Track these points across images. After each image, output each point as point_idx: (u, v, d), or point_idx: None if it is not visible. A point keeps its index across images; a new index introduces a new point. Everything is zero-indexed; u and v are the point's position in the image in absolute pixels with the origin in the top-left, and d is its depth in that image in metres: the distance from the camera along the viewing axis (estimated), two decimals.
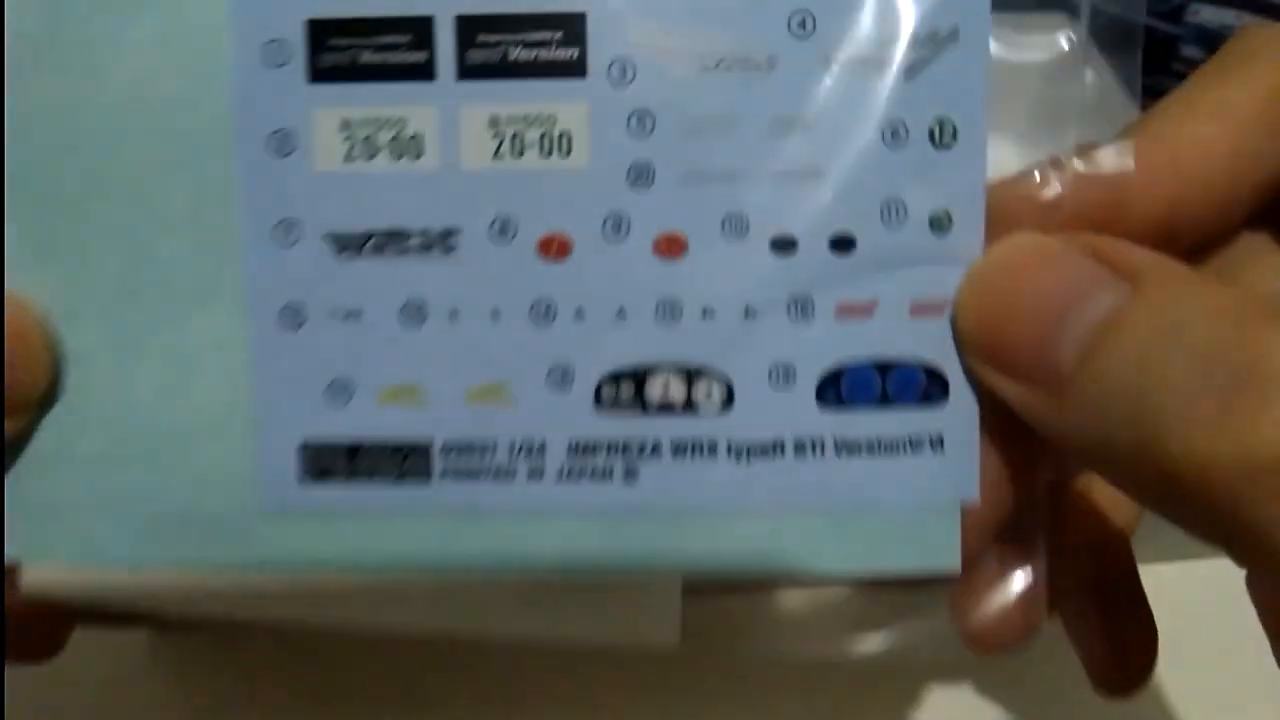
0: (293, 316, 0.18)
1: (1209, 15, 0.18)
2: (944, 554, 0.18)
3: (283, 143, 0.17)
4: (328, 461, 0.18)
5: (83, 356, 0.18)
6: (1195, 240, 0.18)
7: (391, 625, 0.19)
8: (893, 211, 0.17)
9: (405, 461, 0.18)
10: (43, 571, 0.19)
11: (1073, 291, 0.16)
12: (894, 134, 0.17)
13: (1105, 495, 0.22)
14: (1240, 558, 0.15)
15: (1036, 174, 0.17)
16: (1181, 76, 0.18)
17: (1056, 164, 0.17)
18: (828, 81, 0.17)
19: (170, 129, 0.18)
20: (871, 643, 0.23)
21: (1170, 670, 0.23)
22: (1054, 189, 0.17)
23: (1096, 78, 0.18)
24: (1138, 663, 0.21)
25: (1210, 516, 0.15)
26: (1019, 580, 0.19)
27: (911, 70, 0.17)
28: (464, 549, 0.18)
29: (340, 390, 0.18)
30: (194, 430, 0.18)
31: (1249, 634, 0.18)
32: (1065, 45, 0.18)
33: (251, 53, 0.17)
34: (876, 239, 0.17)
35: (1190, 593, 0.26)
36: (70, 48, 0.17)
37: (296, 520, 0.18)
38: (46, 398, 0.18)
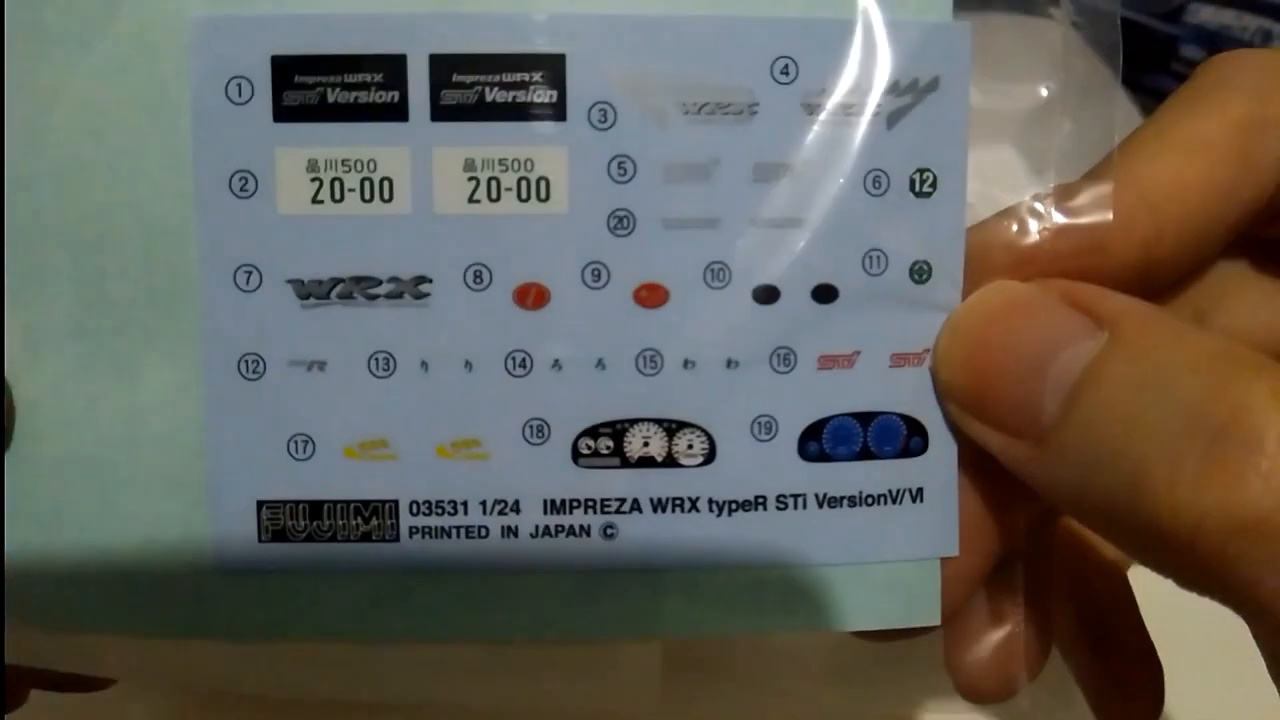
0: (252, 366, 0.17)
1: (1209, 15, 0.18)
2: (924, 609, 0.18)
3: (245, 183, 0.17)
4: (288, 519, 0.17)
5: (32, 404, 0.17)
6: (1173, 275, 0.18)
7: (360, 695, 0.18)
8: (874, 261, 0.17)
9: (371, 520, 0.17)
10: None
11: (1051, 341, 0.16)
12: (875, 182, 0.17)
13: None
14: (1234, 608, 0.15)
15: (1013, 219, 0.17)
16: (1181, 77, 0.18)
17: (1033, 209, 0.17)
18: (810, 129, 0.17)
19: (125, 164, 0.16)
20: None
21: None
22: (1031, 235, 0.17)
23: (1075, 127, 0.18)
24: (1141, 703, 0.21)
25: (1197, 572, 0.15)
26: (1009, 626, 0.19)
27: (893, 118, 0.17)
28: (433, 611, 0.17)
29: (303, 444, 0.17)
30: (147, 484, 0.17)
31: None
32: (1045, 93, 0.18)
33: (213, 88, 0.16)
34: (858, 289, 0.17)
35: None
36: (21, 75, 0.16)
37: (255, 580, 0.17)
38: None
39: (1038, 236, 0.17)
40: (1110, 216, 0.17)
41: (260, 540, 0.17)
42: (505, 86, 0.17)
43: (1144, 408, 0.15)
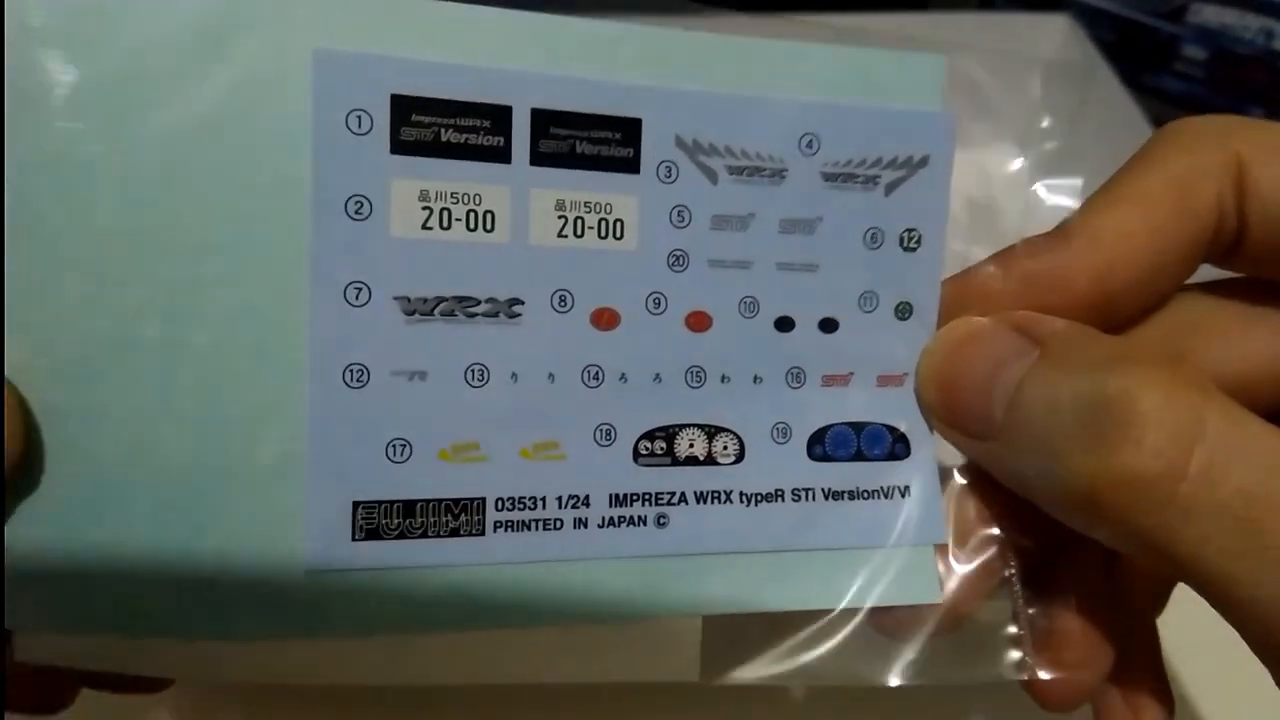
0: (357, 375, 0.18)
1: (1210, 15, 0.20)
2: (925, 588, 0.22)
3: (360, 207, 0.18)
4: (382, 518, 0.19)
5: (113, 409, 0.17)
6: (1132, 307, 0.22)
7: (417, 678, 0.20)
8: (867, 300, 0.21)
9: (460, 516, 0.19)
10: (36, 638, 0.18)
11: (997, 360, 0.20)
12: (873, 238, 0.21)
13: (1134, 574, 0.24)
14: (1133, 553, 0.20)
15: (988, 266, 0.22)
16: (1183, 76, 0.21)
17: (1003, 259, 0.22)
18: (825, 192, 0.21)
19: (234, 179, 0.18)
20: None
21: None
22: (1001, 280, 0.22)
23: (1039, 197, 0.23)
24: None
25: (1103, 524, 0.19)
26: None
27: (890, 187, 0.21)
28: (512, 600, 0.19)
29: (400, 448, 0.19)
30: (231, 489, 0.18)
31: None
32: (1032, 102, 0.23)
33: (334, 119, 0.18)
34: (855, 322, 0.21)
35: None
36: (128, 90, 0.17)
37: (345, 579, 0.19)
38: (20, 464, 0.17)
39: (1006, 284, 0.22)
40: (1066, 260, 0.21)
41: (354, 539, 0.18)
42: (592, 141, 0.19)
43: (1058, 402, 0.19)
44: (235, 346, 0.18)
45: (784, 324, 0.21)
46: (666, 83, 0.20)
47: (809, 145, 0.21)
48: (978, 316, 0.22)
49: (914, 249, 0.22)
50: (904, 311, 0.22)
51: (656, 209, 0.20)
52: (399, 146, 0.18)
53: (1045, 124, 0.23)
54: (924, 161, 0.22)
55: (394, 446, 0.19)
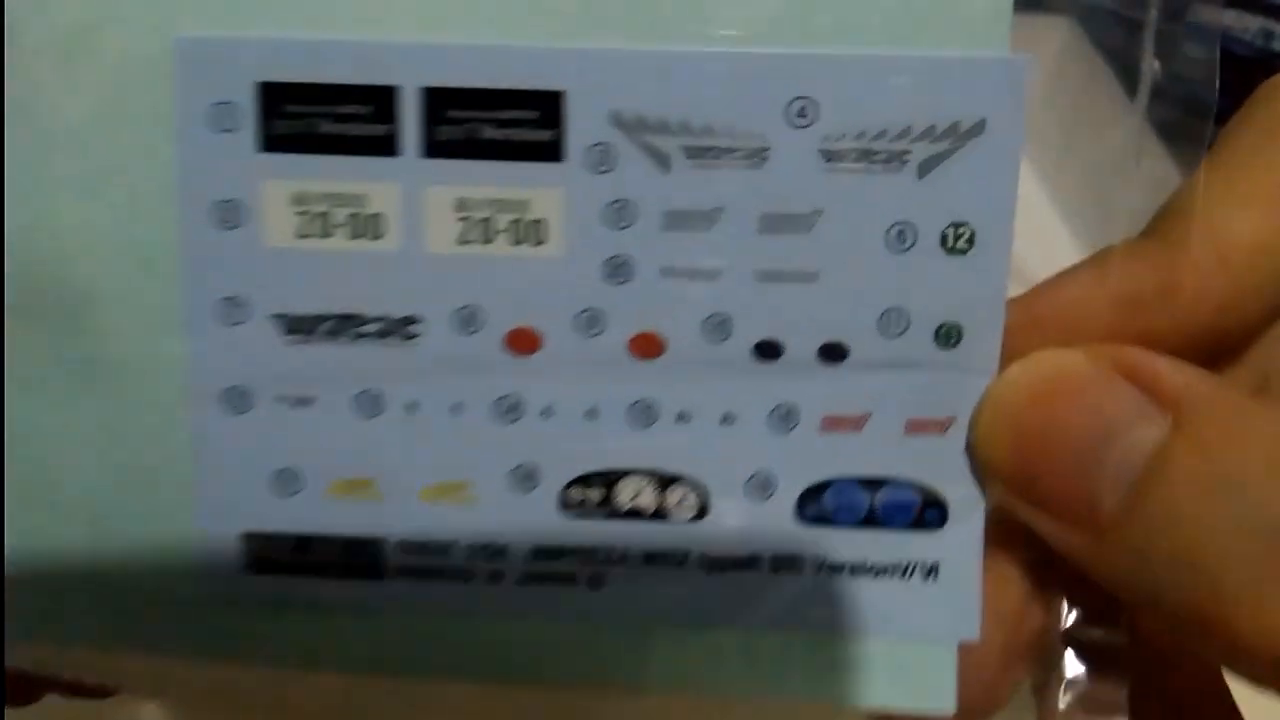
0: (238, 400, 0.17)
1: (1210, 15, 0.16)
2: (936, 694, 0.17)
3: (229, 214, 0.16)
4: (273, 553, 0.17)
5: (19, 432, 0.17)
6: (1244, 339, 0.16)
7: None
8: (892, 320, 0.16)
9: (356, 557, 0.17)
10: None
11: (1109, 426, 0.15)
12: (900, 236, 0.16)
13: None
14: None
15: (1068, 282, 0.16)
16: (1183, 77, 0.16)
17: (1095, 273, 0.16)
18: (825, 177, 0.16)
19: (107, 187, 0.16)
20: None
21: None
22: (1091, 305, 0.16)
23: (1039, 199, 0.16)
24: None
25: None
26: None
27: (925, 166, 0.16)
28: (417, 651, 0.17)
29: (289, 480, 0.17)
30: (141, 514, 0.17)
31: None
32: (1121, 136, 0.16)
33: (197, 114, 0.16)
34: (871, 349, 0.16)
35: None
36: (14, 104, 0.16)
37: (242, 611, 0.17)
38: None
39: (1100, 304, 0.16)
40: (1180, 279, 0.15)
41: (245, 571, 0.17)
42: (500, 124, 0.16)
43: (1219, 515, 0.14)
44: (123, 368, 0.17)
45: (767, 350, 0.16)
46: (596, 41, 0.15)
47: (801, 114, 0.15)
48: (1064, 349, 0.16)
49: (962, 251, 0.16)
50: (949, 337, 0.16)
51: (587, 205, 0.16)
52: (270, 143, 0.16)
53: (1044, 124, 0.16)
54: (978, 129, 0.15)
55: (281, 478, 0.17)
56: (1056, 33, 0.16)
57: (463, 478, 0.17)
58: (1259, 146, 0.16)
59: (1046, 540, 0.16)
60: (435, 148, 0.16)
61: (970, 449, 0.16)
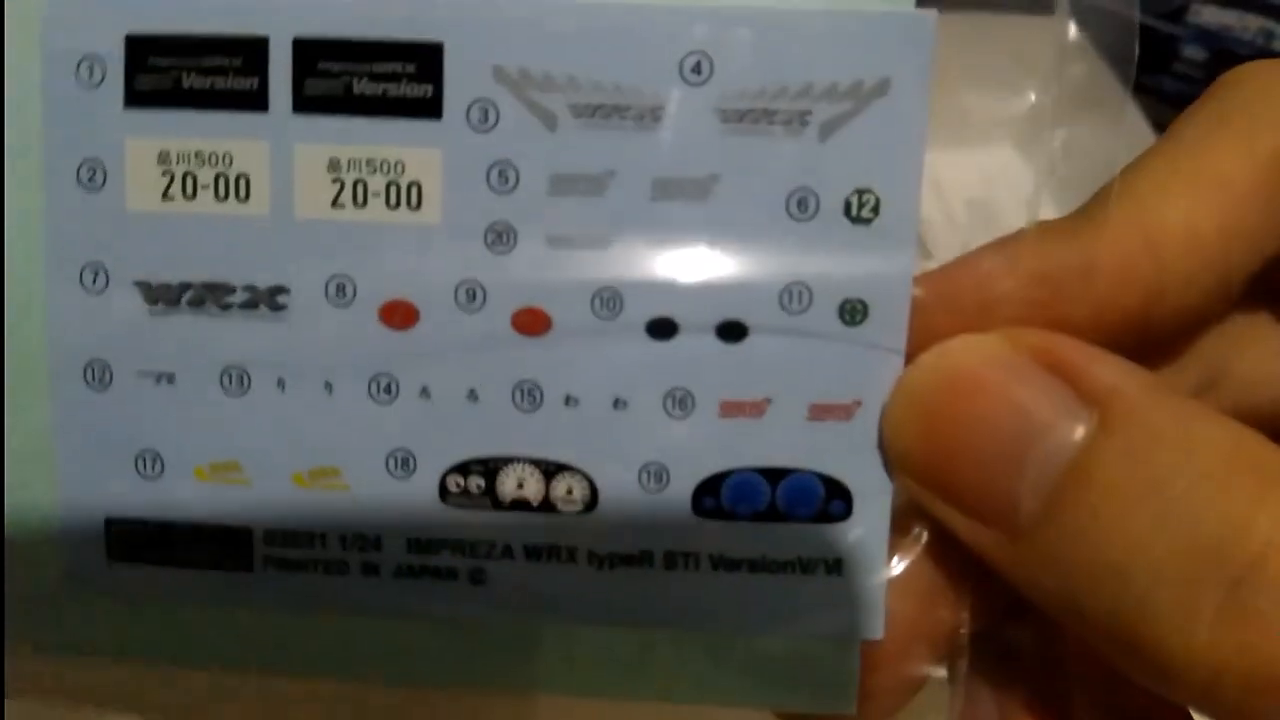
0: (99, 374, 0.15)
1: (1211, 16, 0.16)
2: (836, 695, 0.16)
3: (93, 174, 0.15)
4: (137, 540, 0.16)
5: None
6: (1172, 332, 0.15)
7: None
8: (794, 296, 0.15)
9: (223, 547, 0.16)
10: None
11: (1028, 423, 0.13)
12: (800, 204, 0.15)
13: None
14: None
15: (984, 259, 0.15)
16: (1182, 77, 0.16)
17: (1009, 250, 0.15)
18: (723, 139, 0.14)
19: None
20: None
21: None
22: (1005, 279, 0.15)
23: (1069, 137, 0.15)
24: None
25: (1210, 712, 0.13)
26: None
27: (827, 128, 0.14)
28: (289, 647, 0.16)
29: (151, 462, 0.16)
30: (6, 497, 0.16)
31: None
32: (1032, 101, 0.15)
33: (64, 68, 0.15)
34: (773, 327, 0.15)
35: None
36: None
37: (104, 601, 0.16)
38: None
39: (1013, 281, 0.15)
40: (1105, 263, 0.14)
41: (110, 559, 0.16)
42: (375, 78, 0.15)
43: (1147, 526, 0.13)
44: None
45: (661, 328, 0.15)
46: None
47: (696, 70, 0.14)
48: (979, 334, 0.14)
49: (867, 220, 0.15)
50: (854, 314, 0.15)
51: (468, 167, 0.15)
52: (134, 98, 0.15)
53: (1044, 124, 0.15)
54: (881, 88, 0.14)
55: (143, 459, 0.16)
56: (1056, 33, 0.15)
57: (335, 462, 0.15)
58: (1208, 134, 0.15)
59: (958, 537, 0.14)
60: (306, 103, 0.15)
61: (881, 438, 0.15)
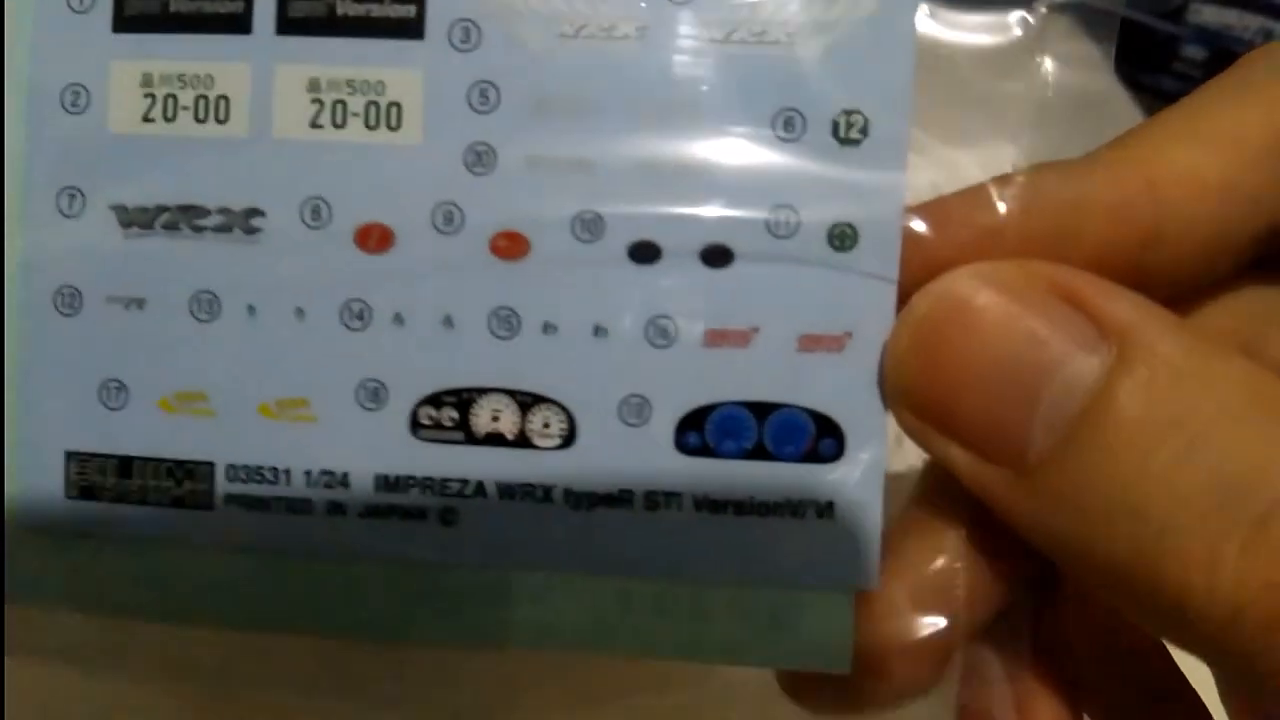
0: (69, 299, 0.15)
1: (1210, 15, 0.16)
2: (830, 651, 0.15)
3: (76, 98, 0.15)
4: (96, 475, 0.15)
5: None
6: (1172, 287, 0.15)
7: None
8: (781, 220, 0.14)
9: (184, 482, 0.15)
10: None
11: (1047, 356, 0.13)
12: (788, 124, 0.14)
13: None
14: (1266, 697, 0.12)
15: (982, 189, 0.14)
16: (1183, 77, 0.15)
17: (1002, 181, 0.14)
18: (708, 58, 0.14)
19: None
20: None
21: None
22: (997, 211, 0.14)
23: (1059, 68, 0.15)
24: None
25: (1229, 656, 0.12)
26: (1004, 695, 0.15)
27: (815, 48, 0.14)
28: (248, 591, 0.15)
29: (115, 391, 0.15)
30: None
31: None
32: (1018, 28, 0.15)
33: None
34: (760, 253, 0.14)
35: None
36: None
37: (62, 540, 0.15)
38: None
39: (1006, 211, 0.14)
40: (1107, 200, 0.14)
41: (67, 496, 0.15)
42: None
43: (1171, 463, 0.12)
44: None
45: (643, 252, 0.14)
46: None
47: None
48: (997, 261, 0.14)
49: (855, 141, 0.14)
50: (844, 240, 0.14)
51: (449, 88, 0.14)
52: (122, 23, 0.15)
53: (1044, 124, 0.15)
54: (869, 6, 0.14)
55: (107, 389, 0.15)
56: (1057, 32, 0.15)
57: (303, 393, 0.15)
58: (1229, 96, 0.15)
59: (956, 476, 0.14)
60: (288, 24, 0.15)
61: (881, 370, 0.14)
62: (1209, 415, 0.12)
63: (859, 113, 0.14)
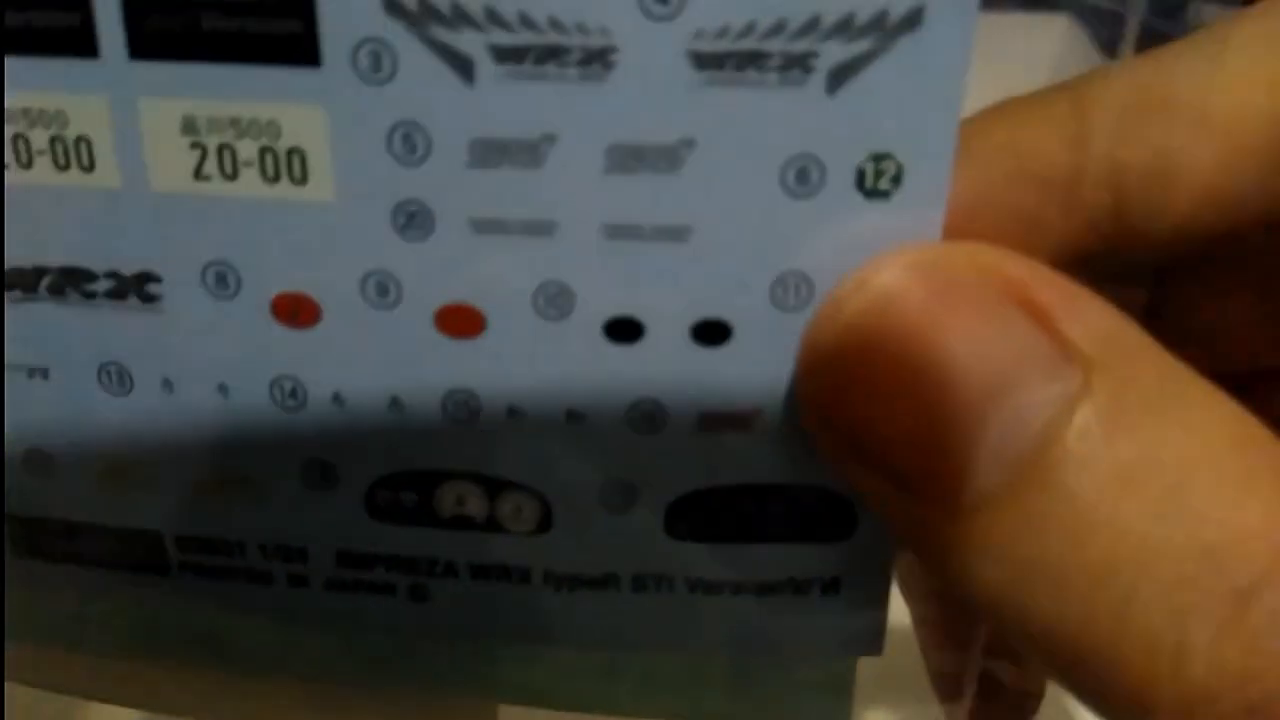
0: None
1: (1210, 15, 0.13)
2: (829, 717, 0.14)
3: None
4: (41, 539, 0.14)
5: None
6: (1229, 240, 0.12)
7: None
8: (790, 289, 0.11)
9: (133, 549, 0.14)
10: None
11: (998, 376, 0.10)
12: (800, 176, 0.11)
13: None
14: None
15: None
16: None
17: None
18: (698, 92, 0.11)
19: None
20: None
21: None
22: None
23: (1059, 70, 0.12)
24: None
25: None
26: None
27: (838, 76, 0.10)
28: (224, 646, 0.15)
29: (41, 464, 0.13)
30: None
31: None
32: (1019, 30, 0.11)
33: None
34: (763, 327, 0.12)
35: None
36: None
37: (18, 594, 0.15)
38: None
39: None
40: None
41: (15, 554, 0.14)
42: (228, 10, 0.11)
43: (1141, 517, 0.10)
44: None
45: (623, 330, 0.12)
46: None
47: (661, 1, 0.10)
48: (934, 245, 0.11)
49: (885, 194, 0.11)
50: None
51: (361, 130, 0.11)
52: None
53: None
54: (913, 20, 0.10)
55: (33, 461, 0.14)
56: (1056, 33, 0.15)
57: (243, 473, 0.13)
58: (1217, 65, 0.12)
59: (872, 509, 0.12)
60: (145, 44, 0.11)
61: (796, 379, 0.12)
62: (1187, 464, 0.10)
63: (891, 157, 0.11)
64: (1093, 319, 0.10)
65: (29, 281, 0.12)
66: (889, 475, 0.11)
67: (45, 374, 0.13)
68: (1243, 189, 0.12)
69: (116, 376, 0.13)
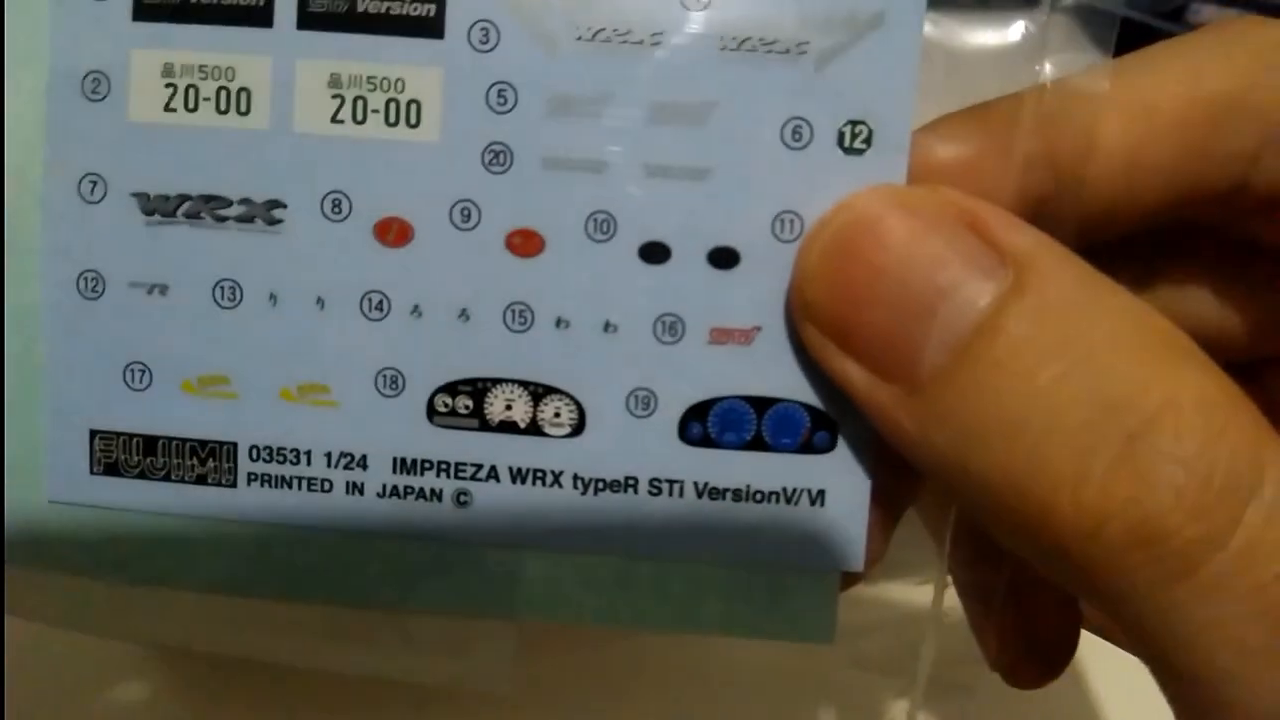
0: (92, 284, 0.16)
1: (1210, 15, 0.16)
2: (815, 626, 0.16)
3: (97, 85, 0.15)
4: (120, 453, 0.16)
5: None
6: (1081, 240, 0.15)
7: (217, 648, 0.17)
8: (786, 225, 0.15)
9: (207, 461, 0.16)
10: None
11: (945, 277, 0.13)
12: (795, 134, 0.15)
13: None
14: (1116, 620, 0.13)
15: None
16: None
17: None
18: (721, 66, 0.15)
19: None
20: None
21: None
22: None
23: (1059, 71, 0.15)
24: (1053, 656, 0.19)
25: (1083, 576, 0.13)
26: None
27: (823, 59, 0.15)
28: (270, 565, 0.16)
29: (139, 373, 0.16)
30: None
31: None
32: (1020, 31, 0.16)
33: None
34: (764, 255, 0.15)
35: None
36: None
37: (86, 515, 0.16)
38: None
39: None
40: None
41: (93, 472, 0.16)
42: None
43: (1052, 383, 0.13)
44: None
45: (654, 253, 0.15)
46: None
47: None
48: (900, 184, 0.15)
49: (859, 150, 0.15)
50: None
51: (468, 87, 0.15)
52: (143, 11, 0.15)
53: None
54: (876, 20, 0.14)
55: (132, 371, 0.16)
56: (1056, 32, 0.16)
57: (324, 380, 0.16)
58: (1155, 64, 0.15)
59: (849, 395, 0.14)
60: (310, 19, 0.15)
61: (791, 288, 0.15)
62: (1095, 341, 0.13)
63: (864, 124, 0.15)
64: (1027, 233, 0.14)
65: (169, 208, 0.15)
66: (862, 358, 0.14)
67: (164, 290, 0.15)
68: (1160, 162, 0.15)
69: (229, 292, 0.15)
